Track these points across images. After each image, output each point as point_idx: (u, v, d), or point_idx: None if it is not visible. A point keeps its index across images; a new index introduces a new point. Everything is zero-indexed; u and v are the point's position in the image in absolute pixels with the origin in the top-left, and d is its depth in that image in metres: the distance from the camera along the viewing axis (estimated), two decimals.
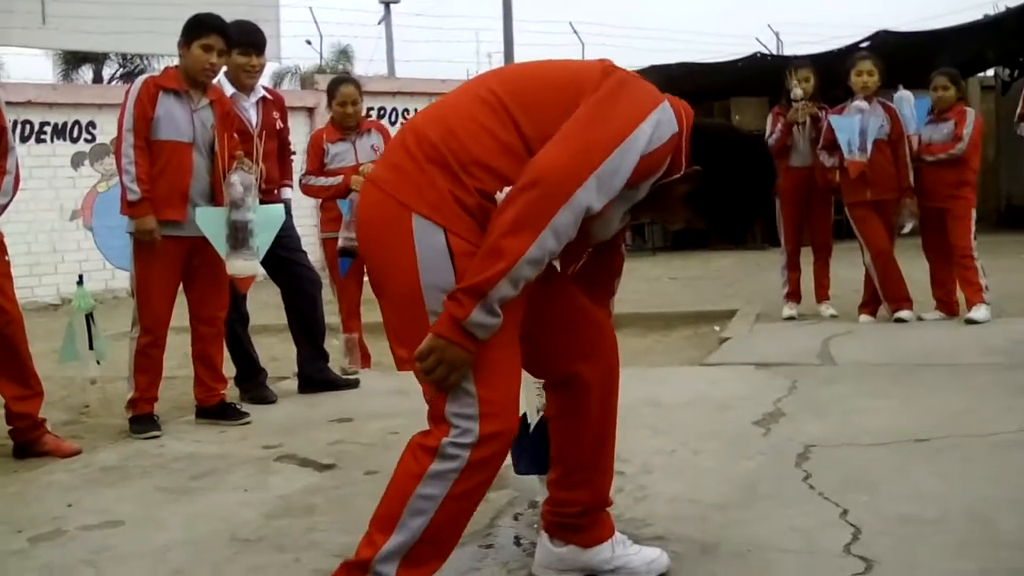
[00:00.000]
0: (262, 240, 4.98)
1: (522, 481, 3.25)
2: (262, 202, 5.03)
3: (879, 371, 5.34)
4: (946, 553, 2.74)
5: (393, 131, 8.24)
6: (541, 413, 2.94)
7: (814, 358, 5.86)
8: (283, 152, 5.76)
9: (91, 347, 5.40)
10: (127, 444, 4.70)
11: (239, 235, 4.78)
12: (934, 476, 3.43)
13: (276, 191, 5.57)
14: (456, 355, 2.11)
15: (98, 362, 5.53)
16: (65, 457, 4.42)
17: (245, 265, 4.86)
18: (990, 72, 18.74)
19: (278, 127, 5.64)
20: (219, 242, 4.78)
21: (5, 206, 4.44)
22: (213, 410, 5.01)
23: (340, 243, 6.05)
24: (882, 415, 4.32)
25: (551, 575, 2.67)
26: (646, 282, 11.46)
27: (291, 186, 5.87)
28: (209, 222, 4.78)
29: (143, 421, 4.81)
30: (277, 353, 7.22)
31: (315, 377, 5.69)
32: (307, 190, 6.20)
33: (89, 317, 5.40)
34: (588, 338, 2.53)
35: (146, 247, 4.70)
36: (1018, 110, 6.21)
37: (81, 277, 5.62)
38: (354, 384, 5.76)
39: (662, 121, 2.22)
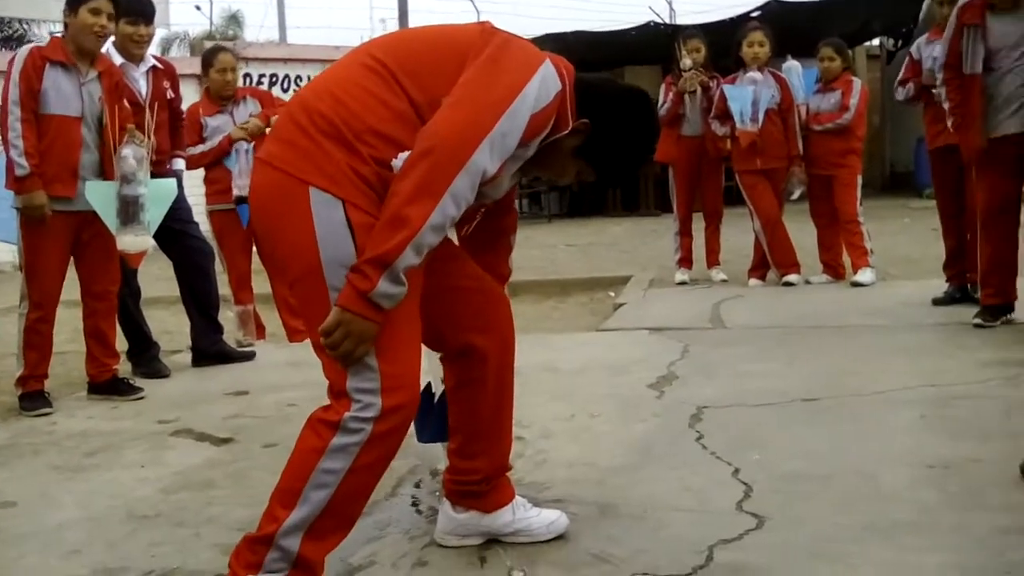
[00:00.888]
0: (153, 215, 4.88)
1: (423, 449, 3.25)
2: (154, 175, 4.95)
3: (768, 334, 5.49)
4: (832, 509, 2.84)
5: (285, 98, 8.18)
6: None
7: (706, 322, 5.99)
8: (175, 122, 5.66)
9: None
10: (17, 422, 4.59)
11: (130, 210, 4.69)
12: (821, 435, 3.55)
13: (168, 163, 5.47)
14: (363, 327, 2.11)
15: None
16: None
17: (135, 240, 4.76)
18: (875, 42, 19.23)
19: (169, 97, 5.54)
20: (109, 217, 4.68)
21: None
22: (106, 385, 4.92)
23: (235, 192, 6.03)
24: (771, 376, 4.45)
25: (453, 540, 2.70)
26: (542, 249, 11.56)
27: (184, 157, 5.77)
28: (99, 197, 4.67)
29: (33, 398, 4.71)
30: (170, 326, 7.11)
31: (209, 350, 5.63)
32: (190, 161, 6.11)
33: None
34: (482, 309, 2.55)
35: (35, 222, 4.58)
36: (900, 75, 6.43)
37: None
38: (249, 356, 5.72)
39: (546, 78, 2.25)
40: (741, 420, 3.78)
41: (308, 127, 2.20)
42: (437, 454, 3.12)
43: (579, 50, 14.94)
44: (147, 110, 5.20)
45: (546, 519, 2.72)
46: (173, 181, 5.13)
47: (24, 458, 3.97)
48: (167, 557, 2.80)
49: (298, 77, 16.22)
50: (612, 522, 2.83)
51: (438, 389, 2.93)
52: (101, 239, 4.75)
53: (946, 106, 5.43)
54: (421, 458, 3.47)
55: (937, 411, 3.76)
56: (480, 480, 2.65)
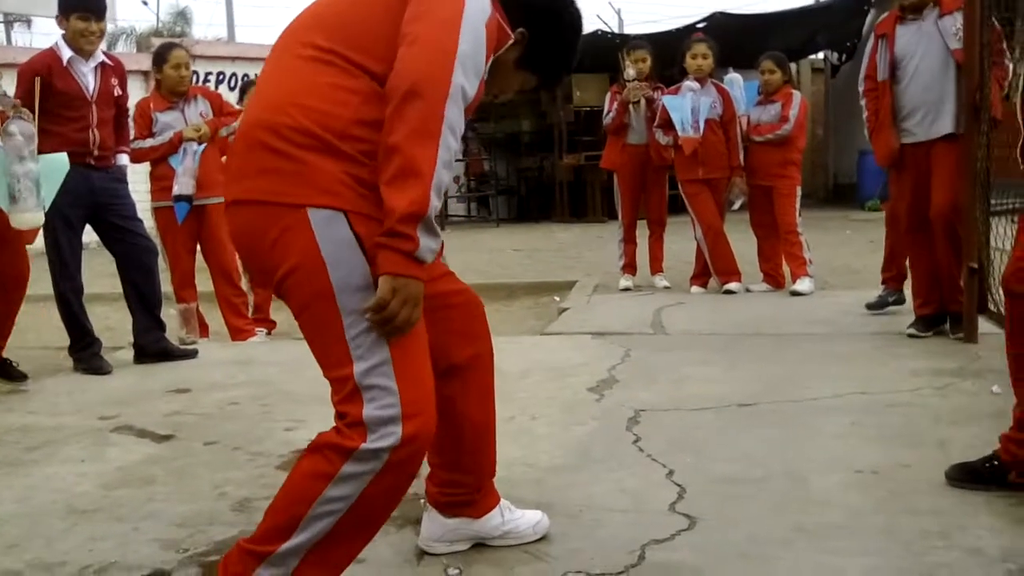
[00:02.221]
0: (47, 191, 4.80)
1: None
2: (98, 169, 4.93)
3: (707, 340, 5.58)
4: (763, 511, 2.92)
5: (229, 97, 8.16)
6: None
7: (647, 327, 6.07)
8: (120, 119, 5.62)
9: None
10: None
11: (20, 186, 4.60)
12: (756, 439, 3.63)
13: (112, 158, 5.44)
14: (415, 289, 2.00)
15: None
16: None
17: (30, 217, 4.68)
18: (820, 55, 19.53)
19: (116, 94, 5.50)
20: (0, 195, 4.60)
21: None
22: None
23: (176, 190, 6.04)
24: (709, 382, 4.53)
25: (441, 547, 2.68)
26: (489, 253, 11.62)
27: (128, 152, 5.75)
28: None
29: None
30: (112, 323, 7.07)
31: (151, 347, 5.60)
32: (137, 155, 6.09)
33: None
34: (467, 323, 2.54)
35: None
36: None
37: None
38: (192, 354, 5.69)
39: None
40: (678, 424, 3.85)
41: (285, 147, 2.06)
42: None
43: None
44: (92, 106, 5.19)
45: (531, 520, 2.75)
46: (65, 156, 5.01)
47: None
48: (105, 552, 2.80)
49: (245, 75, 16.07)
50: (549, 522, 2.87)
51: None
52: (2, 225, 4.72)
53: (864, 116, 5.61)
54: None
55: (868, 418, 3.86)
56: (470, 492, 2.65)
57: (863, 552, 2.58)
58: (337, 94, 2.08)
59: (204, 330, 6.51)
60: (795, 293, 7.09)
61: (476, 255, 11.50)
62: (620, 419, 3.92)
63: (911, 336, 5.37)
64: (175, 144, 6.18)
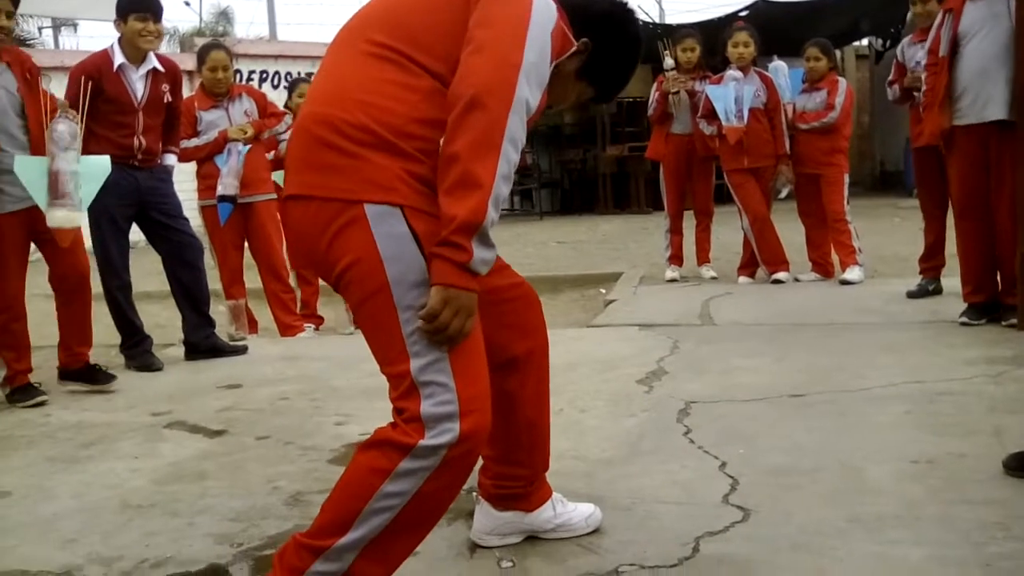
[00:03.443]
0: (87, 191, 4.80)
1: None
2: (143, 168, 4.97)
3: (756, 331, 5.54)
4: (818, 501, 2.89)
5: (274, 96, 8.21)
6: None
7: (695, 319, 6.04)
8: (171, 122, 5.64)
9: None
10: (10, 414, 4.62)
11: (60, 185, 4.60)
12: (807, 430, 3.60)
13: (159, 158, 5.47)
14: (468, 300, 1.99)
15: None
16: None
17: (66, 216, 4.65)
18: (864, 42, 19.31)
19: (166, 100, 5.51)
20: (39, 193, 4.60)
21: None
22: (78, 373, 4.95)
23: (219, 191, 6.08)
24: (759, 373, 4.50)
25: (494, 540, 2.67)
26: (534, 246, 11.61)
27: (176, 152, 5.79)
28: (28, 172, 4.58)
29: (24, 391, 4.73)
30: (162, 320, 7.13)
31: (201, 344, 5.65)
32: (183, 154, 6.14)
33: None
34: (524, 316, 2.51)
35: None
36: (889, 76, 6.55)
37: None
38: (241, 351, 5.73)
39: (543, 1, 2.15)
40: (729, 415, 3.83)
41: (343, 143, 2.04)
42: None
43: None
44: (139, 113, 5.24)
45: (583, 513, 2.73)
46: (107, 158, 4.99)
47: (19, 450, 3.99)
48: (161, 546, 2.83)
49: (288, 74, 16.22)
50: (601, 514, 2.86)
51: None
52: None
53: (921, 91, 5.54)
54: None
55: (922, 407, 3.81)
56: (524, 485, 2.63)
57: (920, 542, 2.55)
58: (397, 91, 2.07)
59: (253, 326, 6.56)
60: (844, 282, 7.02)
61: (520, 248, 11.50)
62: (670, 411, 3.90)
63: (963, 324, 5.30)
64: (220, 143, 6.23)
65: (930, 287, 6.19)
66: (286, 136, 6.62)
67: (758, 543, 2.61)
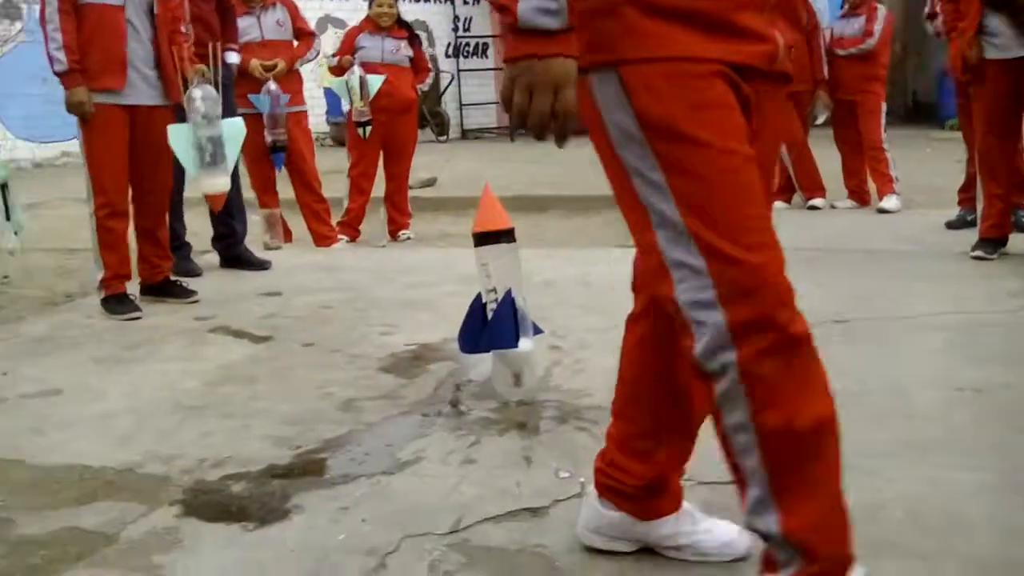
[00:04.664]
0: (229, 154, 4.72)
1: (462, 354, 3.33)
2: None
3: (797, 255, 5.40)
4: (865, 424, 2.90)
5: (314, 7, 8.01)
6: (484, 291, 3.05)
7: None
8: (224, 15, 5.52)
9: (7, 218, 5.29)
10: (54, 315, 4.67)
11: (208, 152, 4.55)
12: (852, 354, 3.60)
13: (222, 56, 5.36)
14: (539, 69, 1.57)
15: (16, 233, 5.41)
16: None
17: (215, 183, 4.62)
18: None
19: None
20: (187, 160, 4.56)
21: None
22: (158, 287, 4.82)
23: (268, 139, 6.01)
24: (801, 297, 4.40)
25: (598, 541, 2.15)
26: (565, 165, 11.48)
27: (236, 50, 5.67)
28: (177, 140, 4.54)
29: (120, 301, 4.58)
30: (195, 227, 7.13)
31: (224, 253, 5.64)
32: None
33: (4, 188, 5.27)
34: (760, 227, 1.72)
35: (93, 116, 4.45)
36: (926, 9, 6.46)
37: None
38: (267, 266, 5.61)
39: None
40: None
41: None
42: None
43: None
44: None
45: (721, 537, 2.11)
46: (240, 120, 4.88)
47: (65, 350, 4.04)
48: (218, 446, 2.88)
49: None
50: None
51: (488, 299, 3.00)
52: (153, 137, 4.59)
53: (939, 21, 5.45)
54: (459, 361, 3.55)
55: (965, 336, 3.81)
56: (638, 486, 2.05)
57: (974, 468, 2.57)
58: None
59: (288, 235, 6.56)
60: (881, 210, 6.98)
61: (549, 167, 11.40)
62: None
63: (976, 258, 5.25)
64: (241, 72, 6.06)
65: (968, 217, 6.16)
66: (312, 59, 6.56)
67: None
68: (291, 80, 6.28)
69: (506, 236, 3.05)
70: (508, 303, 2.97)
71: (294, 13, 6.49)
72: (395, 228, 7.11)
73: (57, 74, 4.42)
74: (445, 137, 15.18)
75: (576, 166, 11.37)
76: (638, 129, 1.65)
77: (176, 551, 2.28)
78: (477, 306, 3.05)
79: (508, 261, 3.03)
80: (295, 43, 6.45)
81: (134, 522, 2.43)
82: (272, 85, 6.03)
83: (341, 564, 2.19)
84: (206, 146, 4.54)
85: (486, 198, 3.11)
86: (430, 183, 9.58)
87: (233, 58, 5.58)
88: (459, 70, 15.85)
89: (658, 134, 1.64)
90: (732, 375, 1.63)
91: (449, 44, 16.51)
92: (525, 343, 3.05)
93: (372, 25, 6.82)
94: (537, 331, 3.18)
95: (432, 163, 10.70)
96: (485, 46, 17.08)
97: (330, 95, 13.03)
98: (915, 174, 9.14)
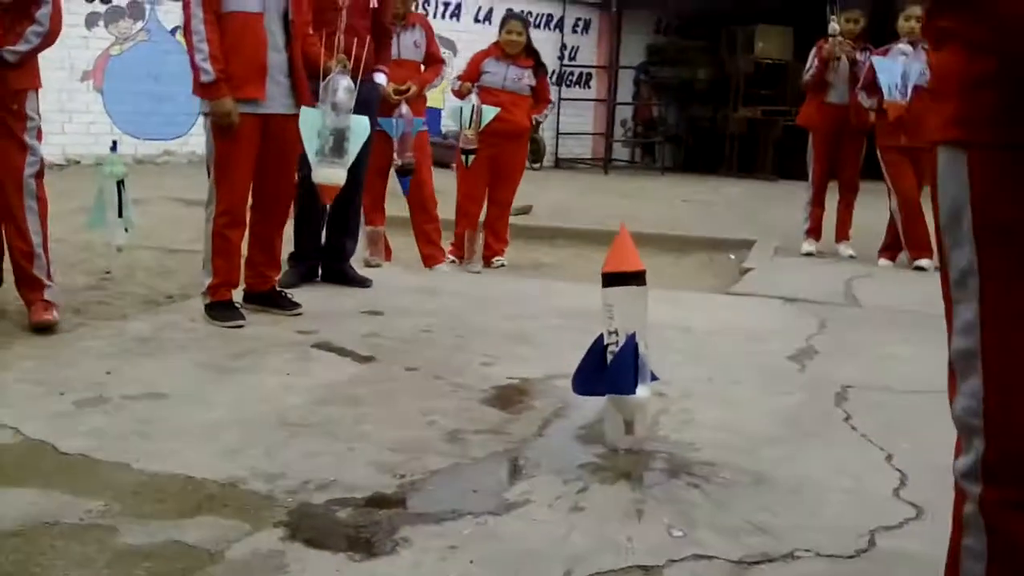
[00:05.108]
0: (351, 149, 4.69)
1: (570, 395, 3.26)
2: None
3: (904, 318, 5.36)
4: None
5: (454, 28, 7.91)
6: (607, 332, 2.98)
7: (839, 297, 5.88)
8: (382, 36, 5.48)
9: (120, 215, 5.36)
10: (157, 315, 4.70)
11: (333, 142, 4.52)
12: None
13: (370, 75, 5.23)
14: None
15: (126, 230, 5.47)
16: (33, 327, 4.27)
17: (331, 173, 4.58)
18: None
19: (373, 6, 5.32)
20: (312, 146, 4.55)
21: (25, 54, 4.17)
22: (264, 296, 4.79)
23: (397, 163, 6.01)
24: (913, 363, 4.34)
25: None
26: (658, 202, 11.44)
27: (385, 72, 5.60)
28: (307, 124, 4.54)
29: (225, 308, 4.57)
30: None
31: (331, 268, 5.60)
32: None
33: (120, 184, 5.34)
34: None
35: (224, 128, 4.45)
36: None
37: (115, 143, 5.58)
38: (368, 283, 5.56)
39: None
40: (889, 405, 3.71)
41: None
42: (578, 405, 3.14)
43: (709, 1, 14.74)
44: (342, 11, 5.00)
45: None
46: (366, 118, 4.81)
47: (169, 353, 4.05)
48: (323, 469, 2.85)
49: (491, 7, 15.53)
50: (768, 493, 2.80)
51: (610, 341, 2.94)
52: (283, 145, 4.60)
53: None
54: (563, 400, 3.49)
55: None
56: None
57: None
58: None
59: (388, 253, 6.56)
60: None
61: (643, 203, 11.35)
62: (827, 393, 3.79)
63: None
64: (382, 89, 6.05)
65: None
66: (437, 86, 6.57)
67: (936, 544, 2.49)
68: (417, 102, 6.27)
69: (636, 279, 2.97)
70: (631, 348, 2.90)
71: (430, 37, 6.50)
72: (490, 254, 7.07)
73: (203, 84, 4.40)
74: (539, 165, 15.16)
75: (671, 204, 11.35)
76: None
77: None
78: (598, 348, 2.98)
79: (635, 304, 2.96)
80: (422, 66, 6.45)
81: (239, 541, 2.40)
82: (404, 108, 6.01)
83: None
84: (330, 136, 4.52)
85: (620, 238, 3.04)
86: (525, 211, 9.55)
87: (381, 79, 5.53)
88: (560, 98, 15.81)
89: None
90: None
91: (553, 72, 16.50)
92: (642, 390, 2.98)
93: (499, 51, 6.83)
94: (654, 378, 3.10)
95: (525, 191, 10.68)
96: (589, 76, 17.04)
97: (431, 114, 13.07)
98: None
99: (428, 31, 6.51)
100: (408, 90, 6.10)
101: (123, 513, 2.54)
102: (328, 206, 5.12)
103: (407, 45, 6.28)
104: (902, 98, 6.91)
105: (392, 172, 6.35)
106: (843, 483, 2.90)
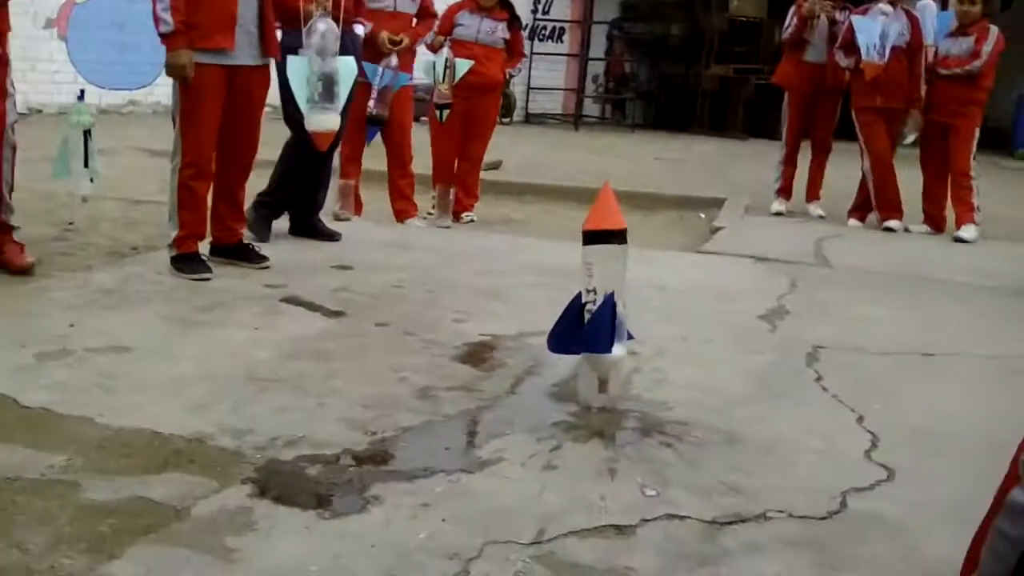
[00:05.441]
0: (342, 94, 4.62)
1: (543, 352, 3.24)
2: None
3: (875, 279, 5.36)
4: (964, 472, 2.78)
5: None
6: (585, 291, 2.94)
7: (810, 257, 5.87)
8: None
9: (86, 165, 5.25)
10: (122, 267, 4.61)
11: (322, 87, 4.44)
12: (944, 393, 3.48)
13: (349, 26, 5.14)
14: None
15: (92, 180, 5.37)
16: (14, 272, 4.26)
17: (324, 119, 4.52)
18: None
19: None
20: (302, 94, 4.46)
21: None
22: (231, 249, 4.71)
23: (371, 111, 5.90)
24: (884, 324, 4.35)
25: None
26: (628, 160, 11.39)
27: (363, 23, 5.48)
28: (296, 72, 4.44)
29: (191, 260, 4.47)
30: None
31: (300, 221, 5.53)
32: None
33: (87, 134, 5.22)
34: None
35: (195, 77, 4.31)
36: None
37: (82, 92, 5.44)
38: (336, 237, 5.47)
39: None
40: (860, 366, 3.71)
41: None
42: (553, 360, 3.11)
43: None
44: None
45: None
46: (352, 59, 4.77)
47: (134, 305, 3.98)
48: (292, 424, 2.81)
49: None
50: (740, 453, 2.79)
51: (588, 299, 2.90)
52: (249, 97, 4.50)
53: None
54: (535, 359, 3.46)
55: None
56: None
57: None
58: None
59: (359, 208, 6.47)
60: (958, 239, 6.78)
61: (613, 160, 11.29)
62: (799, 353, 3.79)
63: None
64: (370, 40, 5.94)
65: None
66: (429, 40, 6.43)
67: (909, 507, 2.52)
68: (406, 57, 6.14)
69: (618, 237, 2.93)
70: (609, 306, 2.87)
71: (426, 3, 6.35)
72: (460, 209, 7.00)
73: (161, 35, 4.28)
74: (509, 119, 15.04)
75: (642, 161, 11.30)
76: None
77: (250, 534, 2.21)
78: (575, 306, 2.94)
79: (615, 263, 2.92)
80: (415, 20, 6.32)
81: (205, 498, 2.36)
82: (394, 60, 5.91)
83: (422, 565, 2.11)
84: (318, 82, 4.43)
85: (604, 194, 2.99)
86: (495, 166, 9.46)
87: (360, 29, 5.41)
88: (532, 53, 15.66)
89: None
90: None
91: (526, 26, 16.35)
92: (618, 349, 2.95)
93: (473, 3, 6.70)
94: (630, 337, 3.07)
95: (495, 146, 10.59)
96: (562, 31, 16.90)
97: None
98: (986, 205, 8.93)
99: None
100: (401, 42, 6.00)
101: (86, 468, 2.49)
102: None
103: (404, 5, 6.13)
104: (880, 59, 6.88)
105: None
106: (815, 444, 2.89)
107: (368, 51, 5.80)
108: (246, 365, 3.29)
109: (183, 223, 4.47)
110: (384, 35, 5.89)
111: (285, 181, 5.34)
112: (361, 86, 5.53)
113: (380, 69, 5.87)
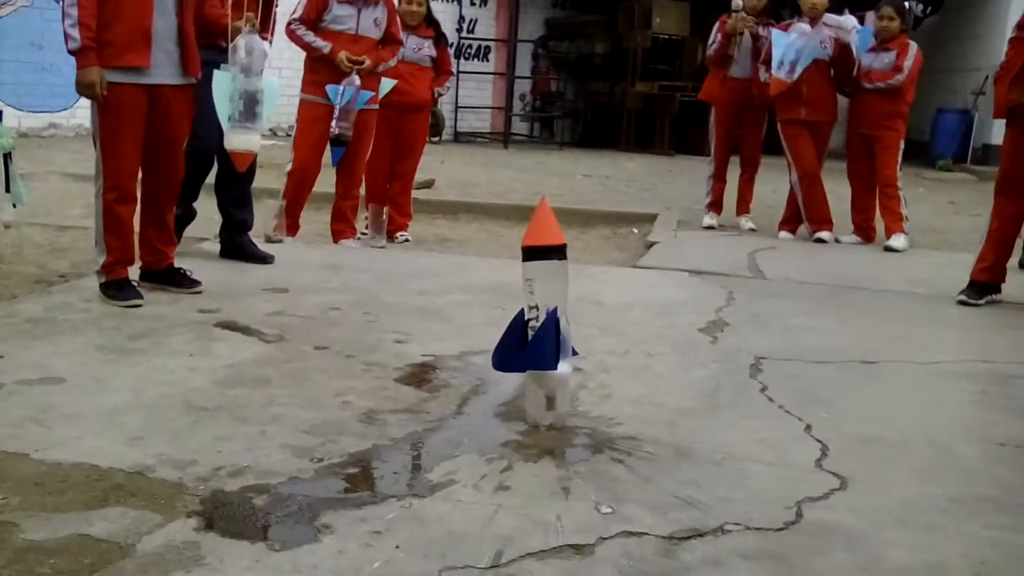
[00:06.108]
0: (264, 113, 4.54)
1: (487, 371, 3.21)
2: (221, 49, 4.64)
3: (810, 289, 5.42)
4: (913, 476, 2.80)
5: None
6: (527, 307, 2.91)
7: (744, 270, 5.92)
8: (268, 5, 5.16)
9: (7, 190, 5.10)
10: (49, 296, 4.49)
11: (244, 105, 4.36)
12: (885, 399, 3.51)
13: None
14: None
15: (14, 205, 5.21)
16: None
17: (244, 139, 4.43)
18: (905, 4, 18.96)
19: None
20: (223, 111, 4.36)
21: None
22: (161, 274, 4.61)
23: (334, 131, 5.82)
24: (823, 334, 4.39)
25: None
26: (559, 177, 11.43)
27: (269, 40, 5.43)
28: (221, 87, 4.33)
29: (121, 287, 4.36)
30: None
31: (230, 244, 5.43)
32: (292, 36, 5.92)
33: (7, 157, 5.07)
34: None
35: (111, 96, 4.20)
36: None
37: (0, 114, 5.28)
38: (269, 260, 5.39)
39: None
40: (803, 375, 3.72)
41: None
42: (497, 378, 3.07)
43: None
44: None
45: None
46: (276, 79, 4.67)
47: (64, 334, 3.86)
48: (235, 454, 2.72)
49: None
50: (692, 467, 2.77)
51: (530, 316, 2.87)
52: (171, 117, 4.38)
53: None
54: (481, 378, 3.42)
55: (997, 388, 3.73)
56: None
57: None
58: None
59: (292, 230, 6.38)
60: (888, 248, 6.88)
61: (544, 177, 11.33)
62: (741, 365, 3.79)
63: (961, 303, 5.17)
64: (325, 57, 5.90)
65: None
66: (392, 66, 6.33)
67: (861, 514, 2.52)
68: (371, 80, 6.05)
69: (557, 252, 2.89)
70: (552, 322, 2.84)
71: (391, 17, 6.20)
72: (393, 228, 6.93)
73: (70, 51, 4.16)
74: (438, 139, 15.02)
75: (571, 178, 11.34)
76: None
77: (198, 569, 2.12)
78: (518, 323, 2.90)
79: (556, 279, 2.89)
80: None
81: (150, 533, 2.27)
82: (357, 79, 5.84)
83: None
84: (240, 100, 4.35)
85: (541, 210, 2.95)
86: (428, 184, 9.43)
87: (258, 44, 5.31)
88: (459, 71, 15.66)
89: None
90: None
91: (452, 44, 16.38)
92: (563, 366, 2.91)
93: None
94: (574, 353, 3.04)
95: (426, 165, 10.56)
96: (487, 49, 16.96)
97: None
98: (912, 215, 9.11)
99: (391, 10, 6.24)
100: (363, 63, 5.92)
101: (23, 507, 2.38)
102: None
103: (367, 23, 6.01)
104: (787, 76, 6.97)
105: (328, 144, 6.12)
106: (765, 455, 2.89)
107: (329, 72, 5.80)
108: (183, 394, 3.19)
109: (110, 249, 4.35)
110: (343, 54, 5.84)
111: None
112: (317, 106, 5.58)
113: (341, 88, 5.81)
